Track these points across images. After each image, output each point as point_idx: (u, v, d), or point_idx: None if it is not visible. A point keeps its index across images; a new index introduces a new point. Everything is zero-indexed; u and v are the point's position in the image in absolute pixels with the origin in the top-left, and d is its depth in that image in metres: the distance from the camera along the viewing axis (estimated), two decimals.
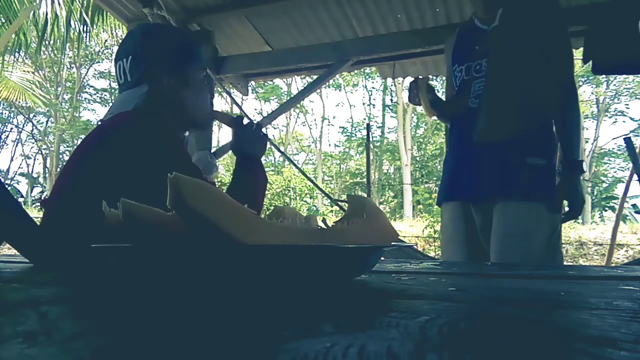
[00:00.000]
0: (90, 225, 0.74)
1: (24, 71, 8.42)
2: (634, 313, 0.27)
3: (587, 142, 18.06)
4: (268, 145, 1.14)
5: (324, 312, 0.28)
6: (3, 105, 17.59)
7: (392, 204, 18.36)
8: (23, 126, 21.11)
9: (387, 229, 0.49)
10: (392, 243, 0.48)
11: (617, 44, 1.90)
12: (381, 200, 18.96)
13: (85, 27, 5.11)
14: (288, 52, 2.93)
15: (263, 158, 1.12)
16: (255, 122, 1.10)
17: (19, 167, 22.01)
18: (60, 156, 18.93)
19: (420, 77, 1.48)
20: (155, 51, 1.01)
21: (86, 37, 5.34)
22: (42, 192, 19.78)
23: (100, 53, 19.46)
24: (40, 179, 20.72)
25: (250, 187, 1.02)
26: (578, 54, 2.04)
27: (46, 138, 20.40)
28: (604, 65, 1.98)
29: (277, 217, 0.47)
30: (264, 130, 1.11)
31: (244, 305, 0.30)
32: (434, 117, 1.50)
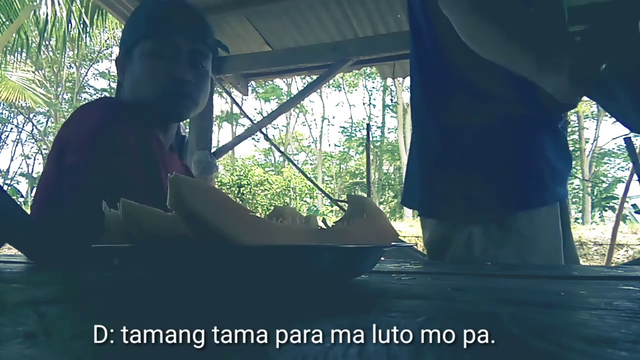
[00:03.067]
0: (70, 224, 0.73)
1: (24, 70, 8.43)
2: (634, 313, 0.27)
3: (587, 142, 18.05)
4: (268, 145, 1.05)
5: (323, 312, 0.28)
6: (3, 105, 17.60)
7: (392, 204, 18.36)
8: (23, 126, 21.13)
9: (387, 229, 0.49)
10: (392, 243, 0.48)
11: (617, 44, 1.90)
12: (381, 200, 18.97)
13: (85, 27, 5.11)
14: (288, 52, 2.93)
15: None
16: None
17: (19, 167, 22.02)
18: None
19: None
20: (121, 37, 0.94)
21: (86, 37, 5.34)
22: None
23: (100, 53, 19.47)
24: None
25: None
26: None
27: (46, 138, 20.39)
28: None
29: (277, 217, 0.47)
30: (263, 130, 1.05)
31: (243, 305, 0.30)
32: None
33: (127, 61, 0.88)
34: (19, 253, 0.69)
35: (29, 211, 0.83)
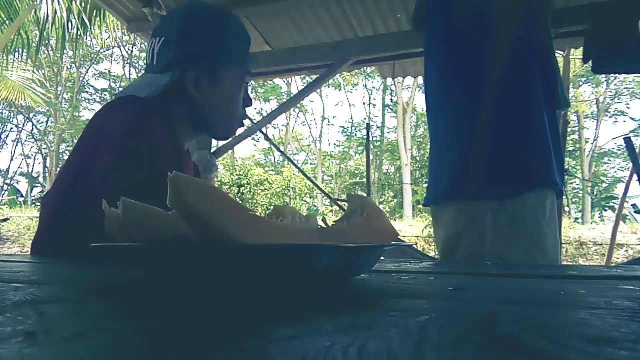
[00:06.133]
0: (84, 221, 0.73)
1: (24, 70, 8.42)
2: (634, 313, 0.27)
3: (587, 142, 18.06)
4: (268, 145, 1.12)
5: (323, 312, 0.28)
6: (3, 105, 17.60)
7: (392, 204, 18.37)
8: (23, 126, 21.12)
9: (387, 228, 0.49)
10: (392, 243, 0.48)
11: (617, 44, 1.90)
12: (381, 200, 18.97)
13: (84, 27, 5.12)
14: (288, 52, 2.93)
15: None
16: None
17: (19, 167, 22.02)
18: (60, 156, 18.96)
19: None
20: (191, 40, 0.89)
21: (85, 37, 5.34)
22: (42, 192, 19.76)
23: (100, 53, 19.47)
24: (40, 179, 20.71)
25: None
26: (578, 53, 2.04)
27: (46, 138, 20.39)
28: (604, 65, 1.98)
29: (277, 217, 0.47)
30: (263, 130, 1.09)
31: (243, 304, 0.30)
32: None
33: (210, 81, 0.90)
34: (19, 253, 0.69)
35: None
